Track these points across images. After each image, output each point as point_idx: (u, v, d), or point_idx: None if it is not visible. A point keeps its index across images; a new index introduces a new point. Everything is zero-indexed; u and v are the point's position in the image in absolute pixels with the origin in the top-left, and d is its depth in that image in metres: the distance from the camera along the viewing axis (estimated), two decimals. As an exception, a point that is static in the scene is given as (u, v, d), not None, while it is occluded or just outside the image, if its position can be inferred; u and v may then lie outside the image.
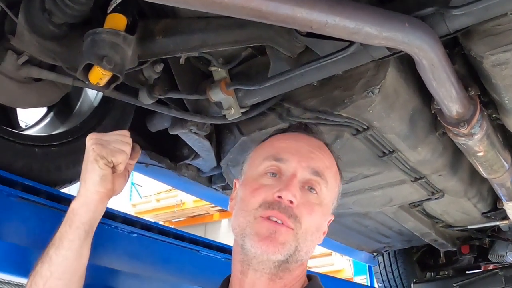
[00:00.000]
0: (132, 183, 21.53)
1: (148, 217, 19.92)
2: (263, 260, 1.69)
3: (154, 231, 2.73)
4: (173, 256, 2.80)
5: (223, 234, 20.20)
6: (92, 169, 1.92)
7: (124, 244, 2.55)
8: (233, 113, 2.80)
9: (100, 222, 2.37)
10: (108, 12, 2.33)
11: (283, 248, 1.68)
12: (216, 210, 19.63)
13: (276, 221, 1.70)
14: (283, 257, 1.68)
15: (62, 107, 2.94)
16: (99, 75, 2.26)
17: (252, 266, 1.73)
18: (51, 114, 2.97)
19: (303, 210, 1.72)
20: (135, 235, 2.60)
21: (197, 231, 19.31)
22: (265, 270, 1.71)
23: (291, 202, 1.71)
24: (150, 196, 20.34)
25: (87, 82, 2.32)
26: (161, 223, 20.13)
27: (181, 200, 19.15)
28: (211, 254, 3.02)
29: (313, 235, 1.75)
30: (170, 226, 19.85)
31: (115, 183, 2.01)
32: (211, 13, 2.15)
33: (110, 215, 2.52)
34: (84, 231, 1.93)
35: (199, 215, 20.58)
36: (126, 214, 2.66)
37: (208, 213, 20.15)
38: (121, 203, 19.77)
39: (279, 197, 1.72)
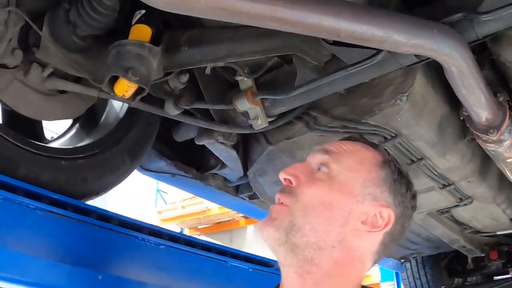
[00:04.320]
0: (158, 190, 21.59)
1: (174, 224, 20.01)
2: (267, 241, 1.67)
3: (181, 243, 2.71)
4: (201, 267, 2.79)
5: (249, 240, 20.21)
6: None
7: (151, 256, 2.54)
8: (260, 123, 2.78)
9: (126, 234, 2.37)
10: (133, 23, 2.33)
11: (273, 222, 1.64)
12: (242, 216, 19.59)
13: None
14: (277, 231, 1.64)
15: (87, 119, 2.94)
16: (125, 87, 2.25)
17: (278, 261, 1.71)
18: (77, 126, 2.97)
19: (304, 185, 1.68)
20: (162, 246, 2.59)
21: (223, 238, 19.40)
22: (281, 260, 1.68)
23: (290, 181, 1.69)
24: (176, 203, 20.34)
25: (112, 94, 2.31)
26: (186, 229, 20.23)
27: (206, 207, 19.13)
28: (238, 265, 3.00)
29: (317, 210, 1.65)
30: (196, 232, 19.94)
31: None
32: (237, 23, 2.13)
33: (136, 227, 2.51)
34: None
35: (225, 221, 20.57)
36: (152, 225, 2.65)
37: (234, 219, 20.12)
38: (147, 210, 19.86)
39: (284, 179, 1.72)
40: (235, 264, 2.99)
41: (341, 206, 1.66)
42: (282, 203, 1.68)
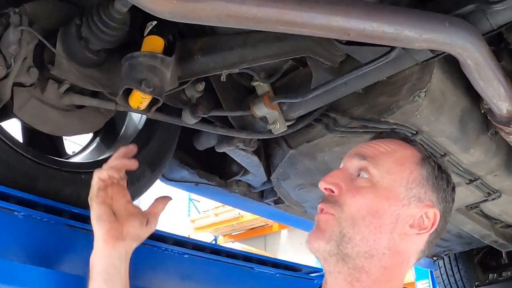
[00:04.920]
0: (190, 199, 21.65)
1: (208, 232, 20.05)
2: (316, 253, 1.67)
3: (206, 251, 2.70)
4: (227, 275, 2.78)
5: (283, 244, 20.22)
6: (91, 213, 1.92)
7: (176, 266, 2.54)
8: (278, 127, 2.77)
9: (150, 245, 2.37)
10: (145, 34, 2.33)
11: (323, 234, 1.64)
12: (274, 221, 19.61)
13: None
14: (328, 243, 1.63)
15: (107, 132, 2.95)
16: (139, 99, 2.26)
17: (324, 269, 1.71)
18: (97, 139, 2.99)
19: (347, 194, 1.67)
20: (186, 256, 2.58)
21: (257, 243, 19.39)
22: (330, 268, 1.67)
23: (331, 191, 1.69)
24: (209, 211, 20.40)
25: (127, 107, 2.32)
26: (220, 237, 20.24)
27: (239, 213, 19.15)
28: (265, 271, 2.98)
29: (365, 219, 1.64)
30: (230, 239, 19.94)
31: (125, 224, 1.94)
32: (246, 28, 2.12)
33: (160, 238, 2.51)
34: (103, 281, 1.87)
35: (258, 227, 20.59)
36: (176, 235, 2.64)
37: (267, 224, 20.11)
38: (180, 220, 19.92)
39: (325, 189, 1.71)
40: (262, 270, 2.97)
41: (388, 212, 1.66)
42: (326, 212, 1.68)
